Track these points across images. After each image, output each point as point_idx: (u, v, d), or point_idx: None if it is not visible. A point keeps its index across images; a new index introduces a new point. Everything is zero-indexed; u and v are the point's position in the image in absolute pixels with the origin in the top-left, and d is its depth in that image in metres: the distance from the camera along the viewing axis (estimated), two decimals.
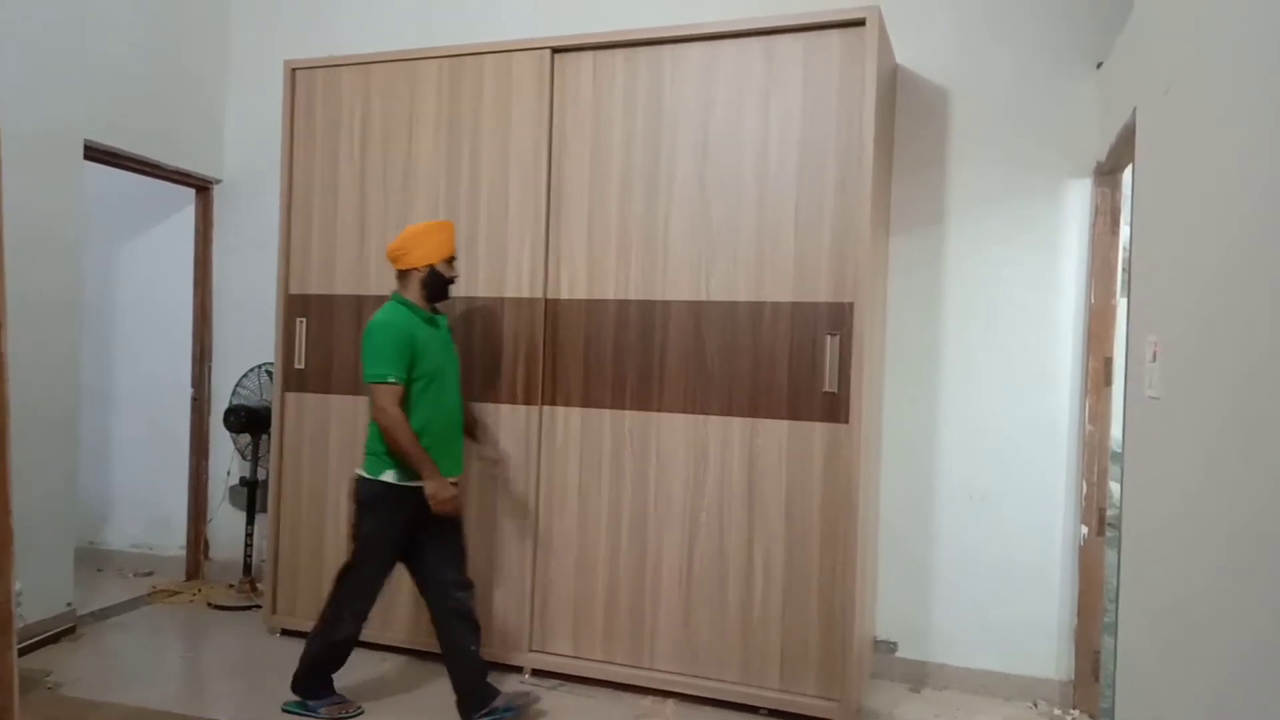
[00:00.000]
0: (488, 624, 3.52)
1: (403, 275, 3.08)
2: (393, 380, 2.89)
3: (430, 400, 3.01)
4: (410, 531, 3.04)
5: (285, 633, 3.85)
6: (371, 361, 2.92)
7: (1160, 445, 2.12)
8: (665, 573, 3.32)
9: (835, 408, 3.12)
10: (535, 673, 3.48)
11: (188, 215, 4.71)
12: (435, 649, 3.57)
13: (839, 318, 3.11)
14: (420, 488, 2.96)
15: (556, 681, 3.45)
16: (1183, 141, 2.02)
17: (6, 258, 1.60)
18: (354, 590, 3.04)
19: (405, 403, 2.95)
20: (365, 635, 3.67)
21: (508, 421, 3.51)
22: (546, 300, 3.46)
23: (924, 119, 3.60)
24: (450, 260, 3.12)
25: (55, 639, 3.73)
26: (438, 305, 3.17)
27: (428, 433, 2.99)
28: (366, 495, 3.00)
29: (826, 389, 3.13)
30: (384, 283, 3.67)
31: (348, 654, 3.17)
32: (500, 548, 3.53)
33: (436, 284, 3.10)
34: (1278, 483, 1.38)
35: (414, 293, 3.07)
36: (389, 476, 2.96)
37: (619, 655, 3.43)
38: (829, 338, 3.12)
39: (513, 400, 3.50)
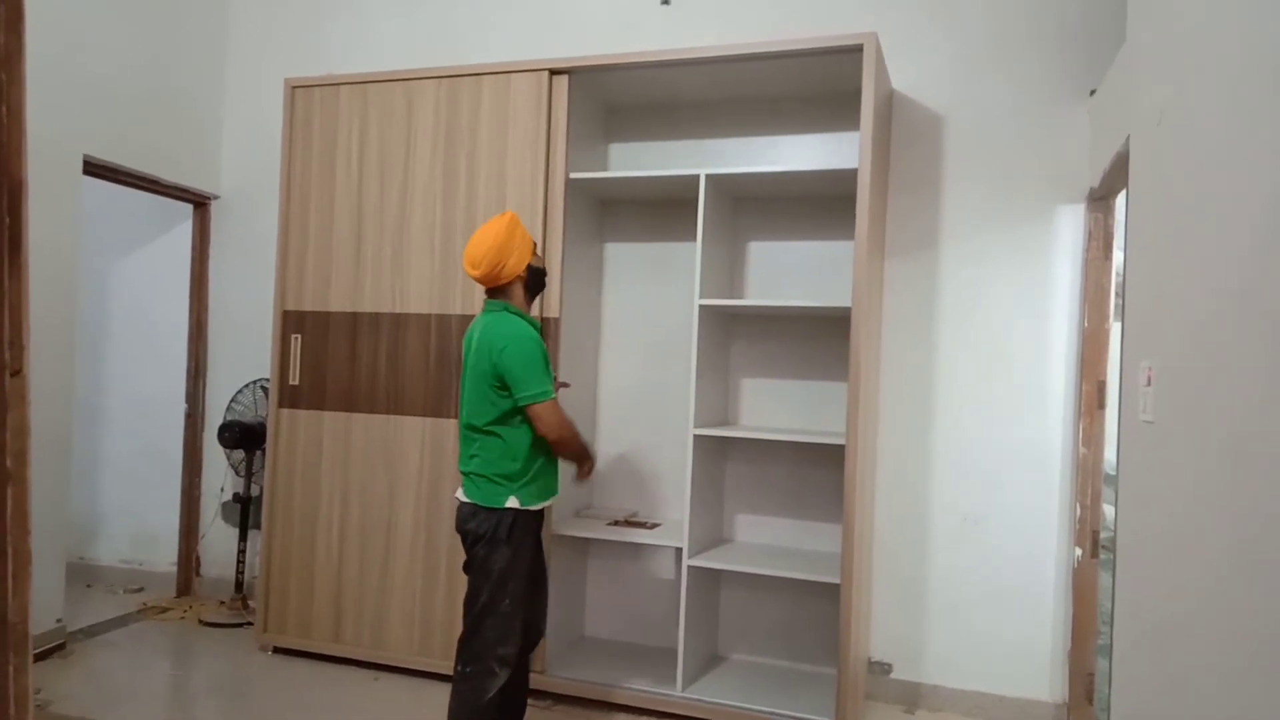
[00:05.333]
0: None
1: (504, 287, 2.76)
2: (553, 396, 2.68)
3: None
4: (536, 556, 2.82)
5: (277, 650, 3.83)
6: (526, 382, 2.61)
7: (1154, 469, 2.13)
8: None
9: None
10: (532, 693, 3.46)
11: (184, 231, 4.72)
12: (429, 667, 3.57)
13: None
14: (542, 510, 2.79)
15: (550, 702, 3.43)
16: (1176, 169, 2.05)
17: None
18: (499, 635, 2.67)
19: (517, 416, 2.68)
20: (355, 653, 3.68)
21: None
22: (543, 318, 3.46)
23: (919, 144, 3.64)
24: (535, 248, 2.82)
25: (45, 655, 3.70)
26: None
27: (544, 449, 2.75)
28: (492, 527, 2.67)
29: None
30: (379, 300, 3.69)
31: (521, 706, 2.91)
32: None
33: (539, 279, 2.84)
34: (1269, 507, 1.39)
35: (518, 299, 2.78)
36: (514, 502, 2.67)
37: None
38: None
39: None
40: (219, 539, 4.65)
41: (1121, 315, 2.64)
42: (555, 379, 3.11)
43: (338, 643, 3.73)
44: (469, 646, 2.70)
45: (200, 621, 4.28)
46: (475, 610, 2.70)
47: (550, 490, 2.82)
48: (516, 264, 2.71)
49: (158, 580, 4.74)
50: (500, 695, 2.69)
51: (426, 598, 3.60)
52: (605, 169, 3.97)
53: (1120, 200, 3.21)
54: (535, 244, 2.84)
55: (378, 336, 3.71)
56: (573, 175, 3.51)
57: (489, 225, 2.73)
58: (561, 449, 2.75)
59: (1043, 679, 3.44)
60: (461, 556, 3.50)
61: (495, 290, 2.77)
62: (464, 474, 2.77)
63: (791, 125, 3.76)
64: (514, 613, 2.70)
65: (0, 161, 0.90)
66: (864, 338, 3.09)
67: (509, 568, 2.68)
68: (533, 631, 2.89)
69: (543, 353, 2.67)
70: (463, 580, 3.52)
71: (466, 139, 3.60)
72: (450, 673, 3.49)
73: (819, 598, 3.61)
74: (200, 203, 4.66)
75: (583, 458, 2.87)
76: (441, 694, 3.44)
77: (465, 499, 2.75)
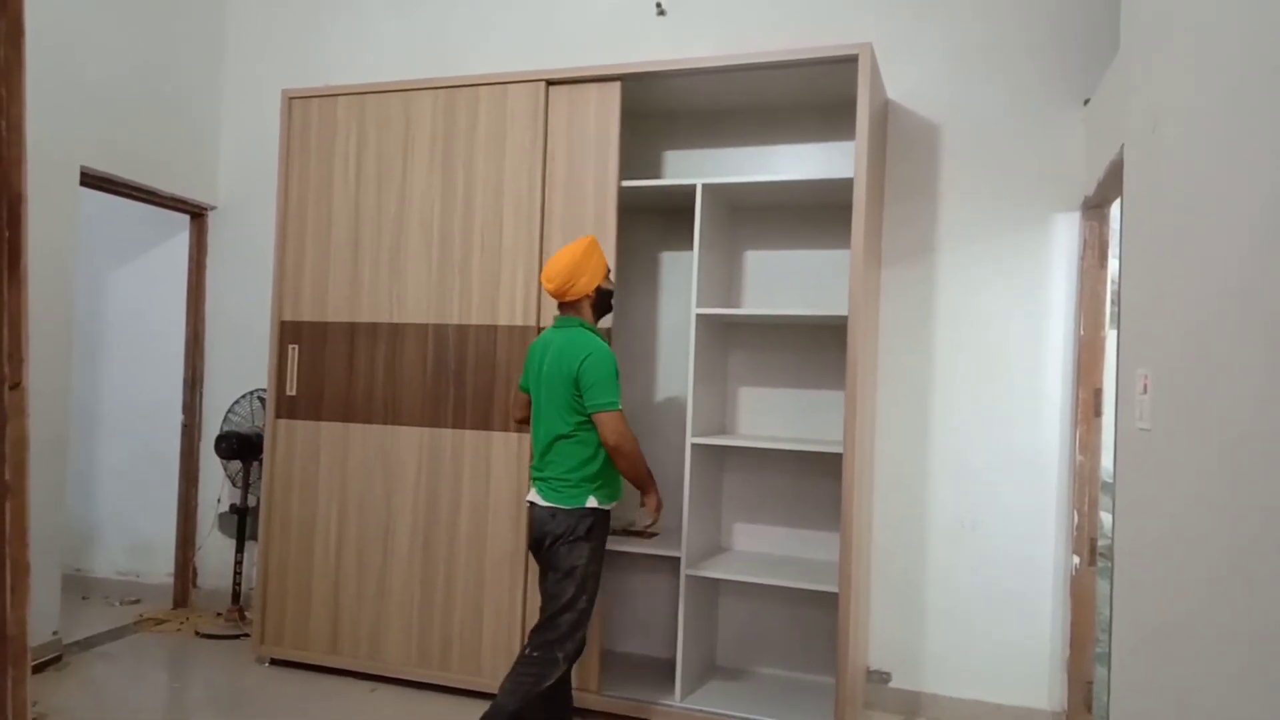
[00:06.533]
0: (478, 649, 3.50)
1: (574, 304, 2.97)
2: (620, 407, 2.85)
3: None
4: None
5: (274, 662, 3.82)
6: (601, 391, 2.81)
7: (1151, 476, 2.13)
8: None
9: None
10: None
11: (181, 241, 4.72)
12: (427, 678, 3.57)
13: None
14: (609, 513, 2.97)
15: None
16: (1170, 177, 2.06)
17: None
18: (571, 629, 2.85)
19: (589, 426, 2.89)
20: (352, 665, 3.67)
21: (499, 449, 3.51)
22: (540, 328, 3.47)
23: (914, 152, 3.65)
24: (609, 273, 3.04)
25: (41, 668, 3.68)
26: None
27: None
28: (573, 526, 2.85)
29: None
30: (376, 310, 3.69)
31: (568, 714, 3.09)
32: (490, 575, 3.51)
33: (605, 300, 3.05)
34: (1268, 514, 1.40)
35: (587, 316, 2.99)
36: (593, 502, 2.87)
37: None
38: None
39: (505, 428, 3.50)
40: (216, 550, 4.64)
41: (1117, 323, 2.65)
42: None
43: (335, 654, 3.72)
44: (542, 634, 2.85)
45: (197, 633, 4.27)
46: (556, 606, 2.85)
47: (618, 492, 3.00)
48: (587, 284, 2.93)
49: (154, 592, 4.73)
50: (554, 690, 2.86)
51: (424, 608, 3.59)
52: None
53: (1115, 208, 3.22)
54: (609, 268, 3.05)
55: (375, 346, 3.71)
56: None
57: (570, 245, 2.98)
58: (621, 460, 2.86)
59: (1041, 687, 3.43)
60: (460, 569, 3.53)
61: (566, 305, 2.98)
62: (539, 479, 2.95)
63: (788, 134, 3.77)
64: (589, 610, 2.89)
65: (0, 175, 0.91)
66: (861, 346, 3.10)
67: (590, 566, 2.88)
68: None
69: (616, 369, 2.88)
70: (461, 593, 3.54)
71: (463, 149, 3.61)
72: (450, 684, 3.53)
73: (817, 606, 3.61)
74: (198, 213, 4.66)
75: (645, 479, 2.95)
76: (440, 705, 3.46)
77: (543, 502, 2.91)
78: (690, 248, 3.47)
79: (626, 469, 2.89)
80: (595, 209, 3.43)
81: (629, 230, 3.96)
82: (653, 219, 3.92)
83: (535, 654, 2.82)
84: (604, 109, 3.43)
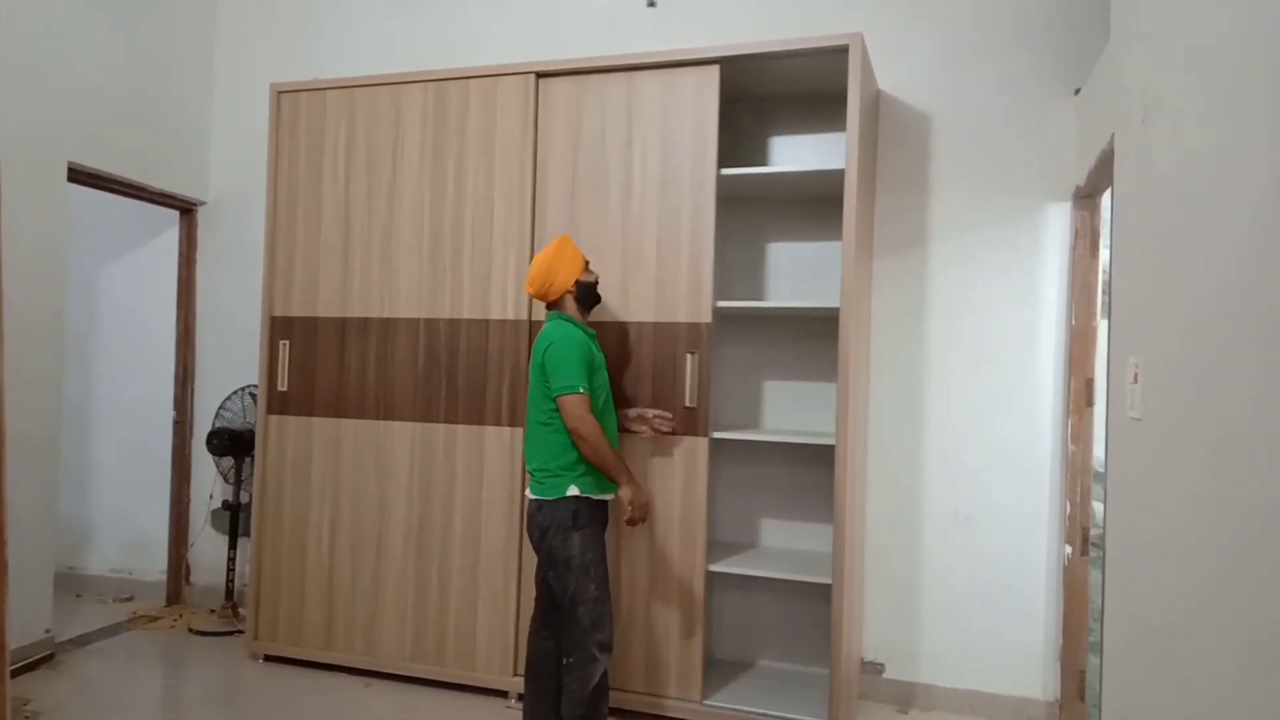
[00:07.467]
0: (473, 644, 3.50)
1: (558, 301, 3.01)
2: (583, 390, 2.82)
3: (600, 416, 2.91)
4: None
5: (268, 658, 3.81)
6: (560, 374, 2.83)
7: (1142, 465, 2.14)
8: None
9: (694, 421, 3.27)
10: (505, 695, 3.45)
11: (171, 237, 4.69)
12: (422, 673, 3.56)
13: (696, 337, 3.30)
14: (606, 505, 2.95)
15: None
16: (1161, 167, 2.06)
17: None
18: (593, 622, 2.82)
19: None
20: (347, 660, 3.67)
21: (492, 444, 3.50)
22: (531, 322, 3.46)
23: (906, 143, 3.64)
24: (587, 265, 3.06)
25: (33, 666, 3.67)
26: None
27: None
28: (562, 517, 2.84)
29: (687, 404, 3.26)
30: (367, 304, 3.68)
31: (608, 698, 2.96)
32: (484, 569, 3.50)
33: (588, 293, 3.06)
34: (1258, 502, 1.40)
35: (571, 310, 3.02)
36: (575, 490, 2.85)
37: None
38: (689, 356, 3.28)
39: (497, 422, 3.50)
40: (209, 547, 4.63)
41: (1108, 312, 2.65)
42: (650, 415, 3.25)
43: (329, 650, 3.71)
44: (569, 637, 2.84)
45: (190, 630, 4.26)
46: (566, 603, 2.84)
47: (610, 484, 2.94)
48: (565, 281, 2.97)
49: (147, 589, 4.71)
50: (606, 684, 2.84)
51: (419, 603, 3.58)
52: None
53: (1106, 198, 3.22)
54: (586, 261, 3.06)
55: (366, 342, 3.70)
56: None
57: (545, 248, 3.03)
58: (582, 445, 2.83)
59: (1035, 676, 3.44)
60: (455, 564, 3.53)
61: (551, 304, 3.03)
62: (529, 473, 2.98)
63: (781, 126, 3.76)
64: (603, 596, 2.85)
65: None
66: (853, 337, 3.09)
67: (585, 553, 2.84)
68: None
69: (583, 354, 2.87)
70: (456, 587, 3.53)
71: (454, 142, 3.59)
72: (446, 679, 3.53)
73: (811, 598, 3.61)
74: (187, 209, 4.64)
75: (613, 467, 2.86)
76: (435, 700, 3.46)
77: (532, 496, 2.94)
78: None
79: (589, 454, 2.83)
80: (692, 199, 3.32)
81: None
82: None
83: (571, 660, 2.82)
84: (702, 95, 3.31)
